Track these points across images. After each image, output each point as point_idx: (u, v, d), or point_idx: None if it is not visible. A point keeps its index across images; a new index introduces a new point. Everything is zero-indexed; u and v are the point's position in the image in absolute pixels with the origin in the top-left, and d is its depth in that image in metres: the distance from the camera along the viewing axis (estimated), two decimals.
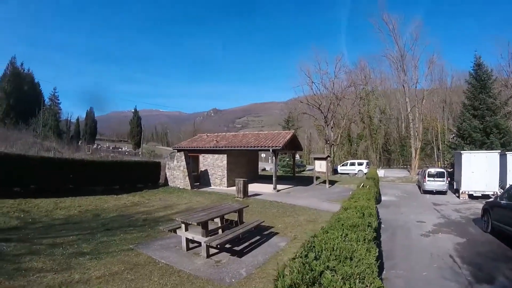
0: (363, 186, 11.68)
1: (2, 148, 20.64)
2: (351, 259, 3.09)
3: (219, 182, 21.54)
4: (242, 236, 8.13)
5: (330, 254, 3.14)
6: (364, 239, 4.02)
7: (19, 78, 55.69)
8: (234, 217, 9.27)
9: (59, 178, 15.19)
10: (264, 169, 40.28)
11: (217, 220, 8.36)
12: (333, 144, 37.40)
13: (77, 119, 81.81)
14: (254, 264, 6.53)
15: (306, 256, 3.06)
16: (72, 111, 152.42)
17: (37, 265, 6.28)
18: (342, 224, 4.75)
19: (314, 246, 3.45)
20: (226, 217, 8.88)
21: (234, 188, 17.60)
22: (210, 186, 21.60)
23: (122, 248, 7.63)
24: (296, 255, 3.12)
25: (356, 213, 5.80)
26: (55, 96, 68.48)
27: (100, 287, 5.40)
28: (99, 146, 61.17)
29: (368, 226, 4.95)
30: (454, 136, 34.27)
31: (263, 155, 52.74)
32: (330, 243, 3.51)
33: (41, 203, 12.61)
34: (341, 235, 4.02)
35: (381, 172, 31.87)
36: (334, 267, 2.78)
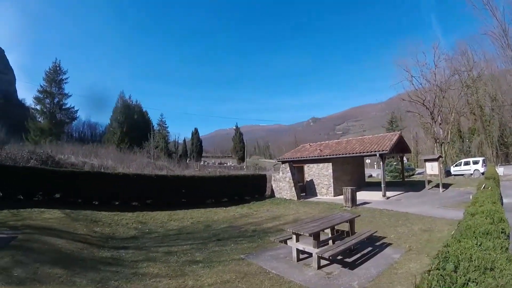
0: (484, 187, 9.93)
1: (120, 169, 23.96)
2: (491, 269, 2.91)
3: (325, 191, 21.47)
4: (353, 247, 8.14)
5: (469, 265, 2.97)
6: (501, 247, 3.48)
7: (129, 109, 68.88)
8: (344, 227, 9.23)
9: (172, 193, 17.36)
10: (370, 176, 38.39)
11: (327, 230, 8.39)
12: (443, 143, 34.84)
13: (184, 140, 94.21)
14: (366, 277, 6.41)
15: (443, 268, 2.91)
16: (179, 132, 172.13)
17: (153, 271, 7.05)
18: (474, 232, 4.33)
19: (449, 257, 3.22)
20: (336, 227, 8.87)
21: (341, 197, 18.00)
22: (316, 196, 21.76)
23: (233, 257, 8.10)
24: (431, 267, 3.01)
25: (486, 219, 5.12)
26: (163, 121, 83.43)
27: None
28: (206, 162, 67.42)
29: (502, 232, 4.34)
30: None
31: (367, 161, 50.03)
32: (466, 253, 3.26)
33: (157, 215, 14.46)
34: (476, 244, 3.67)
35: (499, 170, 27.02)
36: (475, 279, 2.66)
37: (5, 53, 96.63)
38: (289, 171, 21.08)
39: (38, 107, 56.50)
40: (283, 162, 22.96)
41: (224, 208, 17.00)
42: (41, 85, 56.03)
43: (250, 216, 14.88)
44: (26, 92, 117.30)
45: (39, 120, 55.96)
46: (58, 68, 57.46)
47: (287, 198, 20.73)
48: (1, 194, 13.68)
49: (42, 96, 56.04)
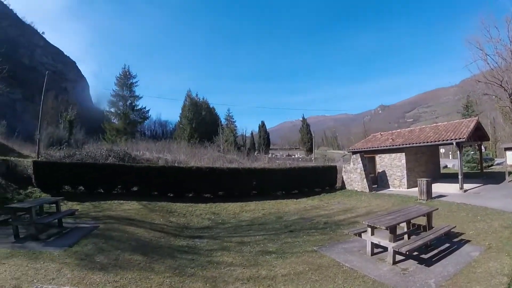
0: None
1: (192, 163, 24.96)
2: None
3: (398, 183, 20.23)
4: (430, 243, 7.74)
5: None
6: None
7: (196, 106, 72.01)
8: (419, 221, 8.76)
9: (243, 185, 17.74)
10: (445, 166, 35.23)
11: (403, 224, 7.98)
12: None
13: (251, 133, 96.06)
14: (443, 275, 6.13)
15: None
16: (246, 126, 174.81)
17: (227, 260, 7.24)
18: None
19: None
20: (412, 221, 8.49)
21: (414, 189, 17.25)
22: (389, 188, 20.56)
23: (305, 249, 8.04)
24: None
25: None
26: (230, 116, 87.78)
27: (286, 285, 5.73)
28: (274, 155, 67.80)
29: None
30: None
31: (442, 150, 45.90)
32: None
33: (229, 206, 14.91)
34: None
35: None
36: None
37: (77, 64, 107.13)
38: (360, 162, 20.38)
39: (112, 109, 61.95)
40: (354, 153, 22.18)
41: (295, 200, 16.95)
42: (113, 90, 61.35)
43: (321, 208, 14.67)
44: (100, 97, 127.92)
45: (114, 121, 61.35)
46: (127, 73, 62.10)
47: (358, 190, 20.09)
48: (83, 189, 15.09)
49: (115, 99, 61.20)
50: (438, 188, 17.81)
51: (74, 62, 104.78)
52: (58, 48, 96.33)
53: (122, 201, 13.80)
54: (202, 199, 15.95)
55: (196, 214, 13.22)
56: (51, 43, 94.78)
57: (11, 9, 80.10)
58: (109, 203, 13.51)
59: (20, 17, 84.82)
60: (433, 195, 15.41)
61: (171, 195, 15.91)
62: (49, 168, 15.21)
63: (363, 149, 22.71)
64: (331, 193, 19.26)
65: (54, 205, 10.34)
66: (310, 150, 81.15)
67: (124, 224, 10.14)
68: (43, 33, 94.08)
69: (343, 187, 21.37)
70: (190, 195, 16.34)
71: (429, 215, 8.46)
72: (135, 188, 15.67)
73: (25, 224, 8.60)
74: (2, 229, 8.77)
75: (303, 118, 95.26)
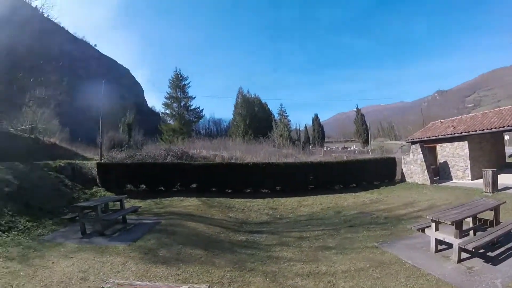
0: None
1: (248, 159, 25.22)
2: None
3: (461, 174, 18.78)
4: (496, 240, 7.16)
5: None
6: None
7: (249, 103, 73.01)
8: (485, 216, 8.03)
9: (300, 179, 17.64)
10: (511, 155, 31.80)
11: (468, 219, 7.35)
12: None
13: (305, 127, 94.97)
14: (510, 275, 5.64)
15: None
16: (300, 120, 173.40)
17: (287, 255, 7.17)
18: None
19: None
20: (477, 216, 7.79)
21: (479, 181, 16.00)
22: (451, 179, 19.15)
23: (366, 245, 7.78)
24: None
25: None
26: (283, 111, 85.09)
27: (346, 281, 5.57)
28: (329, 148, 66.85)
29: None
30: None
31: (506, 137, 41.44)
32: None
33: (286, 201, 14.86)
34: None
35: None
36: None
37: (130, 71, 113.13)
38: (420, 152, 19.21)
39: (167, 111, 64.50)
40: (413, 143, 21.01)
41: (353, 194, 16.49)
42: (167, 92, 63.77)
43: (381, 202, 14.14)
44: (155, 100, 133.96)
45: (170, 122, 64.07)
46: (179, 76, 64.07)
47: (419, 182, 18.95)
48: (145, 187, 15.89)
49: (169, 101, 63.52)
50: (504, 179, 16.31)
51: (128, 70, 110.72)
52: (111, 58, 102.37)
53: (182, 198, 14.39)
54: (260, 194, 16.08)
55: (254, 209, 13.37)
56: (104, 54, 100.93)
57: (62, 27, 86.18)
58: (169, 200, 14.14)
59: (71, 32, 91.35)
60: (499, 187, 14.26)
61: (229, 191, 16.28)
62: (112, 169, 16.30)
63: (423, 139, 21.47)
64: (391, 186, 18.48)
65: (118, 203, 10.98)
66: (366, 142, 78.65)
67: (185, 219, 10.49)
68: (95, 45, 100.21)
69: (402, 179, 20.41)
70: (248, 190, 16.58)
71: (496, 209, 7.81)
72: (194, 185, 16.24)
73: (92, 221, 9.19)
74: (70, 226, 9.52)
75: (357, 108, 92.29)
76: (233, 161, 23.08)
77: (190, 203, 13.41)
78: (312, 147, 64.86)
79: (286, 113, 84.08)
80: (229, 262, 6.53)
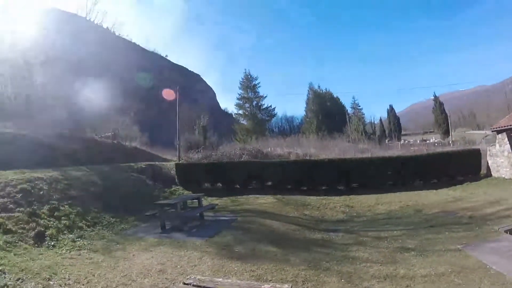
0: None
1: (323, 155, 24.95)
2: None
3: None
4: None
5: None
6: None
7: (320, 98, 73.39)
8: None
9: (377, 175, 16.88)
10: None
11: None
12: None
13: (380, 119, 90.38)
14: None
15: None
16: (374, 112, 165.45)
17: (363, 256, 6.86)
18: None
19: None
20: None
21: None
22: None
23: (448, 247, 7.12)
24: None
25: None
26: (356, 104, 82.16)
27: (425, 287, 5.17)
28: (406, 141, 63.13)
29: None
30: None
31: None
32: None
33: (363, 199, 14.32)
34: None
35: None
36: None
37: (201, 76, 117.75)
38: (507, 142, 16.69)
39: (240, 111, 66.53)
40: (498, 132, 18.19)
41: (434, 191, 15.25)
42: (238, 93, 65.68)
43: (465, 200, 12.81)
44: (227, 102, 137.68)
45: (243, 122, 66.14)
46: (249, 76, 65.54)
47: (506, 177, 16.47)
48: (221, 185, 16.58)
49: (241, 102, 65.38)
50: None
51: (199, 75, 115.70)
52: (182, 66, 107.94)
53: (257, 196, 14.68)
54: (335, 192, 15.72)
55: (329, 207, 13.09)
56: (175, 63, 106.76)
57: (134, 42, 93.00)
58: (245, 197, 14.54)
59: (142, 46, 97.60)
60: None
61: (304, 188, 16.19)
62: (190, 169, 17.29)
63: (510, 126, 18.96)
64: (475, 182, 16.65)
65: (195, 200, 11.55)
66: (446, 133, 72.24)
67: (260, 217, 10.69)
68: (166, 56, 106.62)
69: (488, 174, 18.03)
70: (323, 188, 16.31)
71: None
72: (269, 183, 16.50)
73: (171, 217, 9.85)
74: (151, 222, 10.23)
75: (435, 96, 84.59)
76: (307, 158, 23.01)
77: (265, 201, 13.61)
78: (388, 140, 62.01)
79: (359, 106, 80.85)
80: (303, 260, 6.46)
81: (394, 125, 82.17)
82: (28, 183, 10.06)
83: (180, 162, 21.11)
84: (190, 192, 15.58)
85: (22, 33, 22.35)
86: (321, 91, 75.73)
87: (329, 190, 15.89)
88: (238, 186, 16.49)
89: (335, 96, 77.83)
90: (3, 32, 23.20)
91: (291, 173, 16.41)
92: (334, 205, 13.22)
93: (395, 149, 36.31)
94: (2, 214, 8.04)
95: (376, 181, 16.65)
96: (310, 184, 16.30)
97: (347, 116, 66.12)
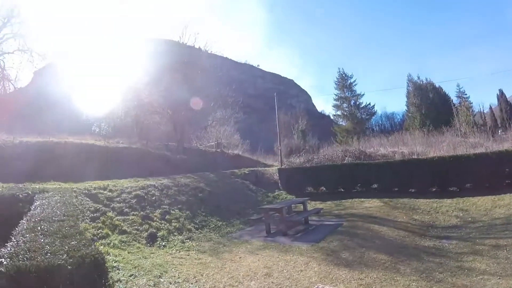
0: None
1: (431, 153, 23.21)
2: None
3: None
4: None
5: None
6: None
7: (421, 89, 66.38)
8: None
9: (492, 174, 14.58)
10: None
11: None
12: None
13: (490, 107, 77.88)
14: None
15: None
16: (482, 100, 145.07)
17: (480, 266, 6.28)
18: None
19: None
20: None
21: None
22: None
23: None
24: None
25: None
26: (461, 92, 72.96)
27: None
28: None
29: None
30: None
31: None
32: None
33: (478, 201, 12.79)
34: None
35: None
36: None
37: (295, 81, 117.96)
38: None
39: (338, 112, 65.14)
40: None
41: None
42: (335, 94, 64.28)
43: None
44: (323, 104, 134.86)
45: (342, 123, 64.51)
46: (343, 75, 63.91)
47: None
48: (324, 189, 16.52)
49: (338, 102, 64.04)
50: None
51: (292, 80, 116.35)
52: (275, 73, 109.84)
53: (362, 199, 14.29)
54: (447, 193, 14.27)
55: (441, 211, 12.09)
56: (267, 71, 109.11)
57: (226, 57, 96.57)
58: (350, 201, 14.28)
59: (235, 60, 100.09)
60: None
61: (412, 190, 15.05)
62: (292, 173, 17.58)
63: None
64: None
65: (300, 204, 11.80)
66: None
67: (367, 221, 10.46)
68: (258, 65, 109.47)
69: None
70: (433, 189, 14.92)
71: None
72: (374, 185, 15.81)
73: (276, 221, 10.27)
74: (255, 225, 10.87)
75: None
76: (414, 156, 21.66)
77: (371, 204, 13.20)
78: (501, 131, 54.68)
79: (465, 94, 71.80)
80: (414, 270, 6.20)
81: (506, 112, 71.58)
82: (141, 190, 11.55)
83: (283, 167, 21.61)
84: (293, 196, 15.88)
85: (130, 60, 25.47)
86: (421, 82, 68.83)
87: (440, 192, 14.47)
88: (342, 190, 16.15)
89: (437, 86, 70.74)
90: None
91: (397, 174, 15.35)
92: (446, 209, 12.18)
93: (510, 141, 31.94)
94: (118, 217, 9.40)
95: (491, 179, 14.55)
96: (419, 185, 15.03)
97: (453, 107, 59.86)
